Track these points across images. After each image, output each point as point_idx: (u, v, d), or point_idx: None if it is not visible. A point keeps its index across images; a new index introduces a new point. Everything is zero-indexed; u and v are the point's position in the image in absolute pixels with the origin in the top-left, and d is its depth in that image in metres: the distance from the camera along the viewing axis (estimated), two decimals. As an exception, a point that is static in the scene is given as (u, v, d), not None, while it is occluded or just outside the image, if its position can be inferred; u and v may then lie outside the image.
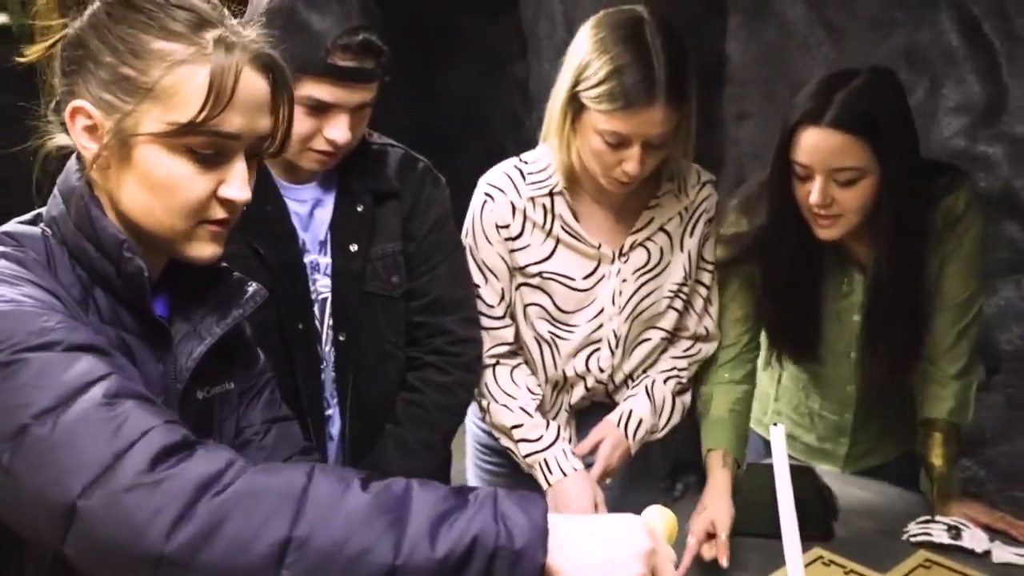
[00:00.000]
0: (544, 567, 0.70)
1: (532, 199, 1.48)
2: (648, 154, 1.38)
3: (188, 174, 0.87)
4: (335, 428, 1.39)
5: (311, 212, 1.36)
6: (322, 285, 1.36)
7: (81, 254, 0.89)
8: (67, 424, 0.71)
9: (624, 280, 1.52)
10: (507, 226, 1.49)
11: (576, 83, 1.35)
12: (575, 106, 1.37)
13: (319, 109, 1.23)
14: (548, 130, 1.45)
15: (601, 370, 1.56)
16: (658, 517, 0.90)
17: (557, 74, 1.41)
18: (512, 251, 1.49)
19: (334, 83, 1.20)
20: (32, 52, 0.90)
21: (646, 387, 1.57)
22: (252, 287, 1.05)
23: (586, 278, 1.51)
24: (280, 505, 0.69)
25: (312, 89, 1.20)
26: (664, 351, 1.62)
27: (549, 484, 1.47)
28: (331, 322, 1.36)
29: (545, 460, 1.48)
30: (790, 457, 1.75)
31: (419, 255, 1.42)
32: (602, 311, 1.53)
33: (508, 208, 1.49)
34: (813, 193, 1.39)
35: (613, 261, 1.51)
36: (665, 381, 1.59)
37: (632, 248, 1.52)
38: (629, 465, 1.64)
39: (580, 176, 1.47)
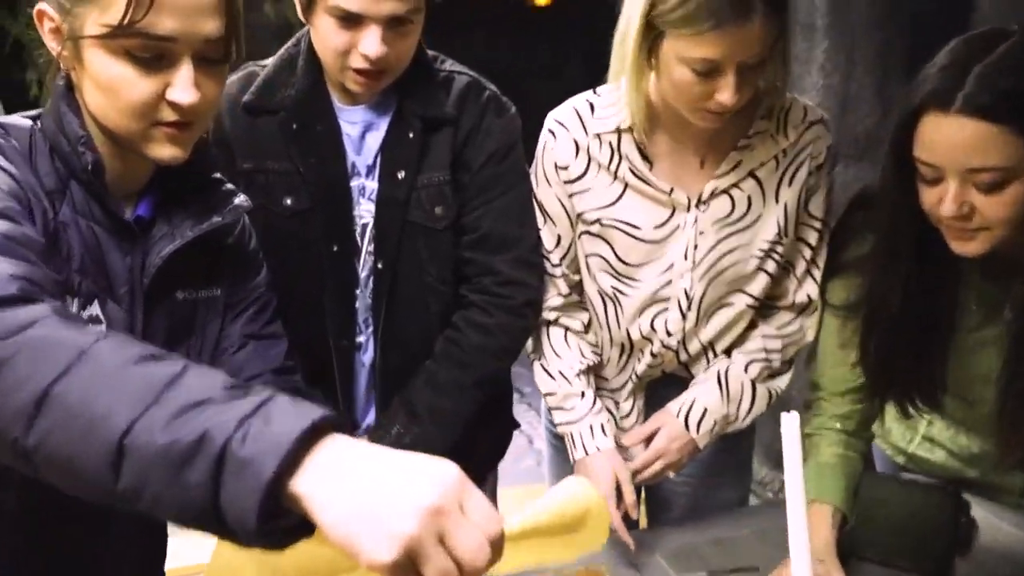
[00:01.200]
0: (280, 485, 0.59)
1: (599, 136, 1.33)
2: (744, 80, 1.17)
3: (130, 76, 0.89)
4: (367, 355, 1.37)
5: (362, 135, 1.33)
6: (365, 210, 1.33)
7: (58, 147, 0.95)
8: None
9: (702, 232, 1.32)
10: (567, 167, 1.34)
11: (652, 6, 1.17)
12: (653, 34, 1.20)
13: (350, 20, 1.19)
14: (620, 66, 1.27)
15: (669, 333, 1.38)
16: (562, 492, 0.72)
17: None
18: (571, 195, 1.35)
19: None
20: None
21: (719, 373, 1.38)
22: (238, 199, 1.08)
23: (658, 228, 1.33)
24: (57, 358, 0.67)
25: None
26: (753, 326, 1.40)
27: (575, 458, 1.38)
28: (371, 248, 1.33)
29: (571, 434, 1.39)
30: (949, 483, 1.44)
31: (473, 187, 1.34)
32: (672, 266, 1.34)
33: (570, 147, 1.34)
34: (946, 201, 1.06)
35: (689, 209, 1.32)
36: (747, 366, 1.38)
37: (714, 195, 1.32)
38: (710, 457, 1.45)
39: (659, 113, 1.30)
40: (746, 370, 1.38)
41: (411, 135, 1.31)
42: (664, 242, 1.34)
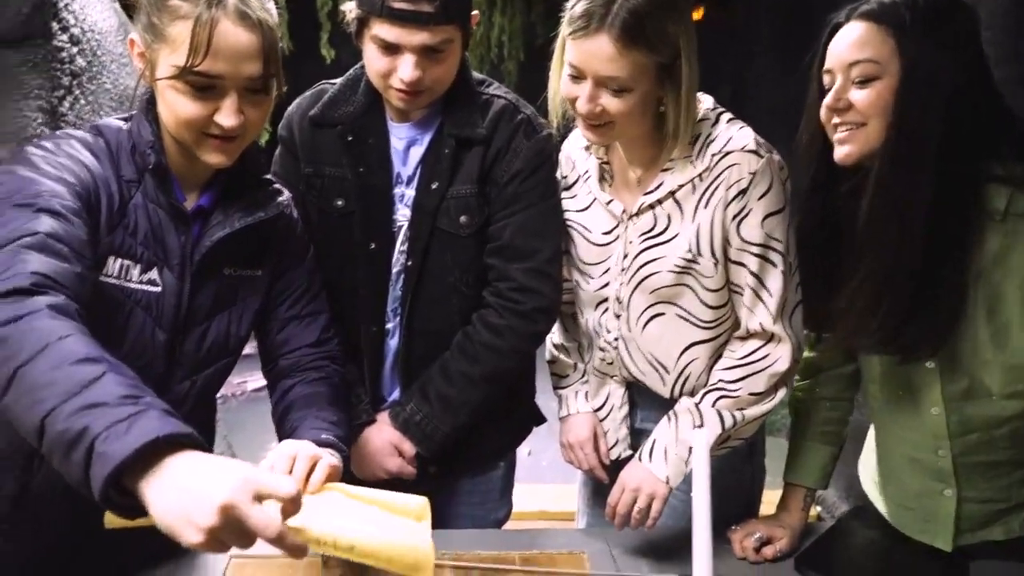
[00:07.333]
0: (119, 477, 0.82)
1: (583, 150, 1.55)
2: (602, 93, 1.33)
3: (188, 101, 1.15)
4: (394, 341, 1.56)
5: (407, 148, 1.52)
6: (402, 215, 1.52)
7: (137, 146, 1.22)
8: None
9: (631, 242, 1.47)
10: (565, 176, 1.57)
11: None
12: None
13: (388, 49, 1.39)
14: None
15: (608, 331, 1.53)
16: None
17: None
18: (564, 199, 1.56)
19: (392, 23, 1.36)
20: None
21: (673, 411, 1.46)
22: (282, 197, 1.33)
23: (605, 234, 1.50)
24: (31, 346, 0.89)
25: (378, 29, 1.38)
26: (716, 355, 1.47)
27: (560, 416, 1.65)
28: (404, 247, 1.52)
29: (560, 395, 1.66)
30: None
31: (499, 201, 1.50)
32: (609, 270, 1.50)
33: (568, 158, 1.57)
34: (828, 96, 1.25)
35: (624, 221, 1.48)
36: (702, 396, 1.44)
37: (641, 211, 1.45)
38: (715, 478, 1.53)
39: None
40: (696, 397, 1.44)
41: (446, 151, 1.48)
42: (608, 247, 1.49)
